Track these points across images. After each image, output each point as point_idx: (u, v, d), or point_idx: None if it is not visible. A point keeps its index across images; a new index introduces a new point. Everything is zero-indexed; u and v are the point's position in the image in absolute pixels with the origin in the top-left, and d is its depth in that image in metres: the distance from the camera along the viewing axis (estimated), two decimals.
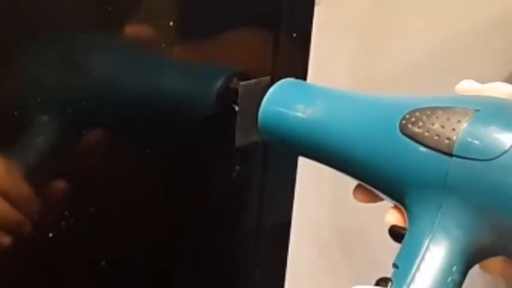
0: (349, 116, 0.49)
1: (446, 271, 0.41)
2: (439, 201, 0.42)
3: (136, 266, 0.66)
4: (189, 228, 0.69)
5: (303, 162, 0.72)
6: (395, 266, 0.43)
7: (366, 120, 0.48)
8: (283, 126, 0.52)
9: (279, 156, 0.72)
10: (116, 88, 0.59)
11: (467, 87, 0.49)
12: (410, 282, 0.42)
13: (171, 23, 0.59)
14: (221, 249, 0.73)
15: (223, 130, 0.65)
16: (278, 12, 0.65)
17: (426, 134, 0.43)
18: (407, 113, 0.45)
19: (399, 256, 0.44)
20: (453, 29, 1.10)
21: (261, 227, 0.74)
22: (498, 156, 0.40)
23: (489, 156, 0.40)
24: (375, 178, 0.47)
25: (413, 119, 0.44)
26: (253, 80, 0.64)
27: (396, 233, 0.45)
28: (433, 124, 0.43)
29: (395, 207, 0.47)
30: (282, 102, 0.53)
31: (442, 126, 0.42)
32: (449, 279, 0.41)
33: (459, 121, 0.42)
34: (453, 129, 0.42)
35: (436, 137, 0.42)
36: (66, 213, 0.58)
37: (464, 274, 0.42)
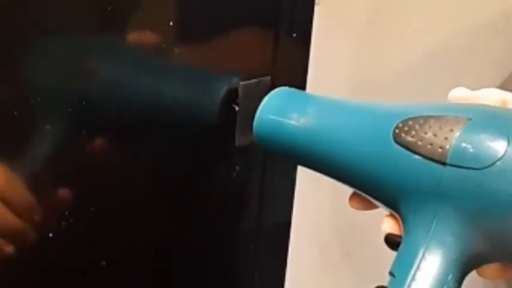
0: (342, 125, 0.49)
1: (441, 280, 0.42)
2: (434, 210, 0.42)
3: (136, 266, 0.66)
4: (189, 228, 0.69)
5: None
6: (391, 274, 0.43)
7: (359, 129, 0.48)
8: (278, 135, 0.53)
9: None
10: (116, 88, 0.59)
11: (459, 94, 0.49)
12: None
13: (171, 23, 0.59)
14: (221, 249, 0.73)
15: (223, 130, 0.65)
16: (278, 12, 0.65)
17: (419, 143, 0.43)
18: (400, 122, 0.45)
19: (395, 265, 0.44)
20: (453, 29, 1.11)
21: (261, 227, 0.74)
22: (491, 165, 0.40)
23: (482, 165, 0.40)
24: (369, 187, 0.48)
25: (406, 128, 0.44)
26: (253, 80, 0.64)
27: (392, 241, 0.46)
28: (425, 133, 0.43)
29: (391, 215, 0.47)
30: (276, 111, 0.53)
31: (435, 135, 0.43)
32: None
33: (451, 130, 0.42)
34: (446, 138, 0.42)
35: (429, 146, 0.42)
36: (66, 213, 0.58)
37: (459, 282, 0.42)
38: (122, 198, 0.62)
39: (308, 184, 0.83)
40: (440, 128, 0.43)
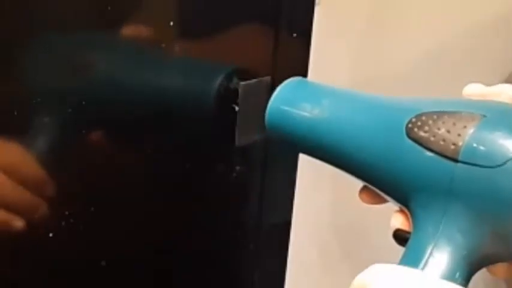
0: (355, 118, 0.49)
1: (449, 278, 0.41)
2: (444, 207, 0.42)
3: (136, 266, 0.66)
4: (189, 228, 0.69)
5: (303, 162, 0.72)
6: None
7: (372, 122, 0.48)
8: (290, 125, 0.52)
9: (279, 156, 0.72)
10: (116, 88, 0.59)
11: (474, 90, 0.48)
12: None
13: (171, 23, 0.59)
14: (221, 249, 0.73)
15: (223, 130, 0.65)
16: (278, 12, 0.65)
17: (432, 138, 0.43)
18: (414, 117, 0.44)
19: (402, 260, 0.44)
20: (453, 29, 1.10)
21: (261, 227, 0.74)
22: (504, 163, 0.40)
23: (495, 163, 0.40)
24: (380, 180, 0.47)
25: (419, 123, 0.44)
26: (253, 80, 0.64)
27: (400, 237, 0.45)
28: (439, 129, 0.43)
29: (400, 210, 0.47)
30: (289, 101, 0.53)
31: (448, 131, 0.42)
32: None
33: (465, 126, 0.42)
34: (459, 135, 0.42)
35: (442, 142, 0.42)
36: (66, 213, 0.58)
37: (467, 280, 0.42)
38: (122, 198, 0.62)
39: (308, 184, 0.83)
40: (454, 124, 0.42)
